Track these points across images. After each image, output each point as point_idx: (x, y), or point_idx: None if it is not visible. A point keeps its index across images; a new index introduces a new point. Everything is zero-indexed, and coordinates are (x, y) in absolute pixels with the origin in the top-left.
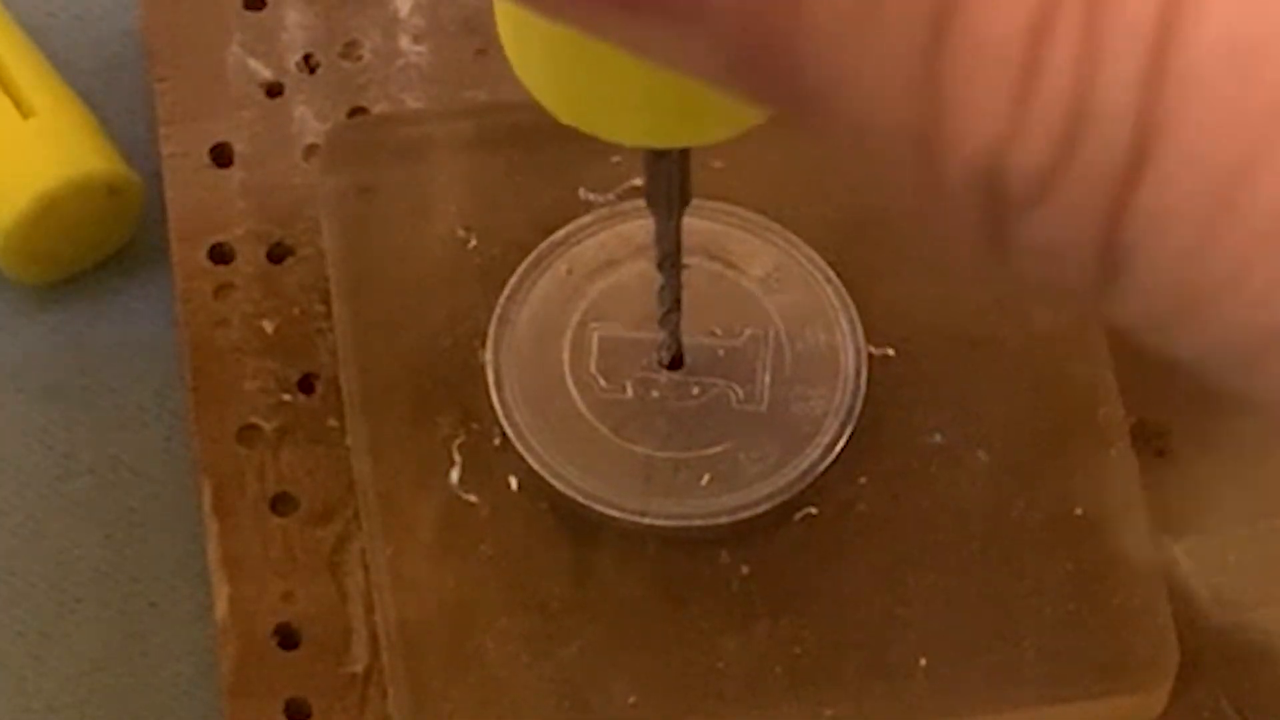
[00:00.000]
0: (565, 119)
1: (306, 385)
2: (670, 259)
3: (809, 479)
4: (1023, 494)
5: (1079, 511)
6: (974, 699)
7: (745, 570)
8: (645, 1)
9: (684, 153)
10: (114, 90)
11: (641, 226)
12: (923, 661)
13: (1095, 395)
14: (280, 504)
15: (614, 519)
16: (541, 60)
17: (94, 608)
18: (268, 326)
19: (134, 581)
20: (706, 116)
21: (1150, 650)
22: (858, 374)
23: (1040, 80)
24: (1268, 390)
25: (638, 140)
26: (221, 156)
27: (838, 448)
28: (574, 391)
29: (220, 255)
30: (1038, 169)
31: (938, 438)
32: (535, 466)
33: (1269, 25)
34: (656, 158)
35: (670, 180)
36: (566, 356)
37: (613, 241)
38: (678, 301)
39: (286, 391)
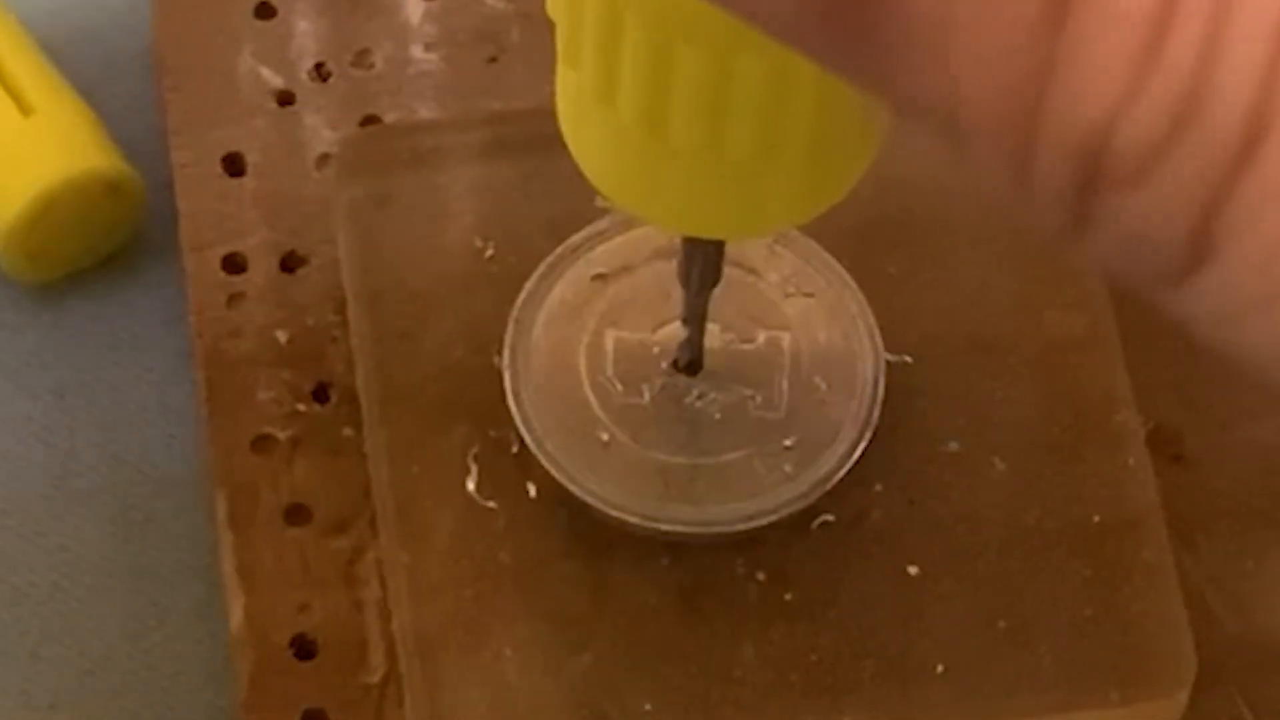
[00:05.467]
0: (618, 202)
1: (321, 395)
2: (694, 322)
3: (826, 486)
4: (1039, 501)
5: (1095, 518)
6: (991, 706)
7: (761, 577)
8: None
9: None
10: (117, 90)
11: (658, 231)
12: (940, 668)
13: (1111, 401)
14: (295, 515)
15: (631, 525)
16: (598, 148)
17: (96, 606)
18: (281, 336)
19: (137, 580)
20: (749, 214)
21: (1168, 657)
22: (876, 381)
23: (1166, 45)
24: None
25: (683, 229)
26: (233, 166)
27: (855, 455)
28: (591, 397)
29: (233, 265)
30: (1147, 143)
31: (954, 445)
32: (553, 473)
33: None
34: (694, 241)
35: (705, 261)
36: (583, 362)
37: (629, 246)
38: (700, 325)
39: (301, 401)
